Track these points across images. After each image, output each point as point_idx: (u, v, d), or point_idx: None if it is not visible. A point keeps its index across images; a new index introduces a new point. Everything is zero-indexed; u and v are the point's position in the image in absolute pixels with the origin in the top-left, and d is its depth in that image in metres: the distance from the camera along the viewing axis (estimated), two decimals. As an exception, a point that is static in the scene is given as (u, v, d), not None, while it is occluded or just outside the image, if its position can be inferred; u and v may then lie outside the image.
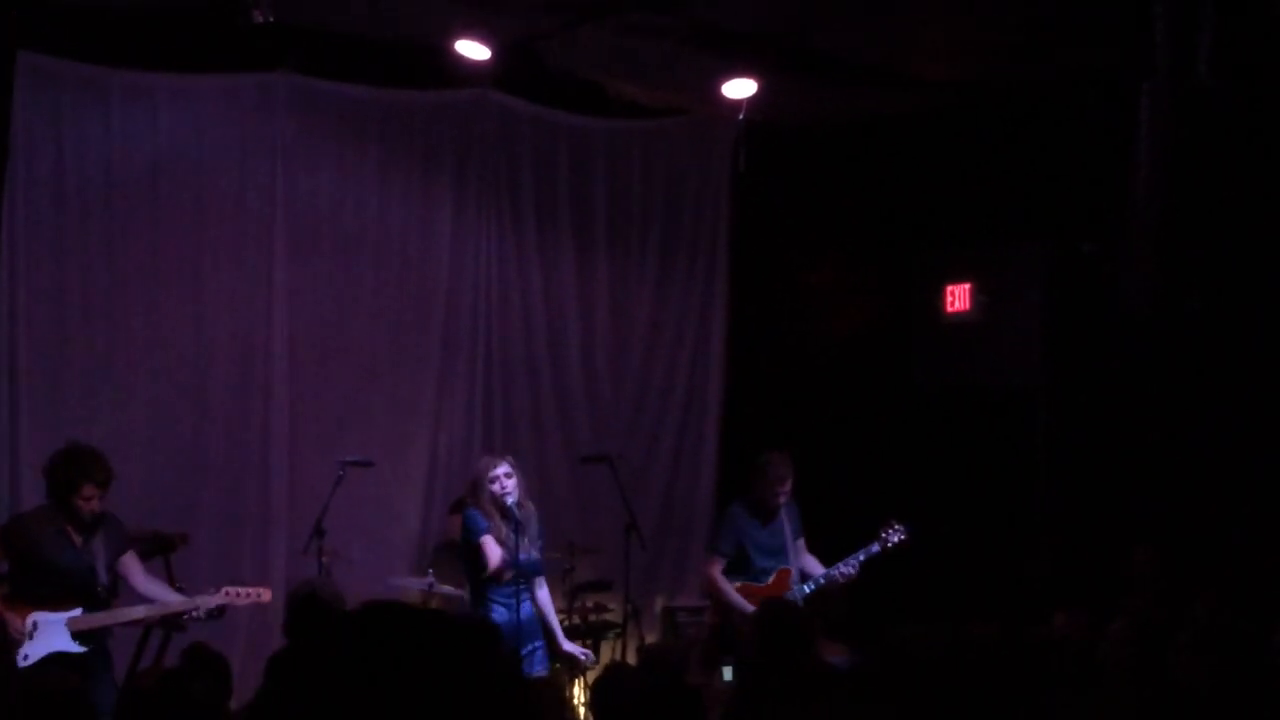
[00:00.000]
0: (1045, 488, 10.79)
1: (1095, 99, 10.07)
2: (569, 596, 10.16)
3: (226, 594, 8.20)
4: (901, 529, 9.52)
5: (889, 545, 9.51)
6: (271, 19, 9.24)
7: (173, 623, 8.39)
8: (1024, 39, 9.88)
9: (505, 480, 8.54)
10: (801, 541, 9.67)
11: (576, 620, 10.16)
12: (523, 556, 8.50)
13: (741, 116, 10.84)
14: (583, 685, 9.81)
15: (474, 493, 8.67)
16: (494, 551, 8.47)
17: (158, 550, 8.88)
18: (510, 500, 8.51)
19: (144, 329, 10.04)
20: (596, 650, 10.28)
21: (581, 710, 9.31)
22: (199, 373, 10.17)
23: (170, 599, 8.17)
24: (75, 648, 7.82)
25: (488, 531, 8.52)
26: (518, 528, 8.49)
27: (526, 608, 8.56)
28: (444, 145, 11.02)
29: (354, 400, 10.67)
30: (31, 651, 7.70)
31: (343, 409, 10.60)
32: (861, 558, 9.45)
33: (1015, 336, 11.01)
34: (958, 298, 11.45)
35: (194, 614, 8.13)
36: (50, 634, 7.78)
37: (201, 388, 10.18)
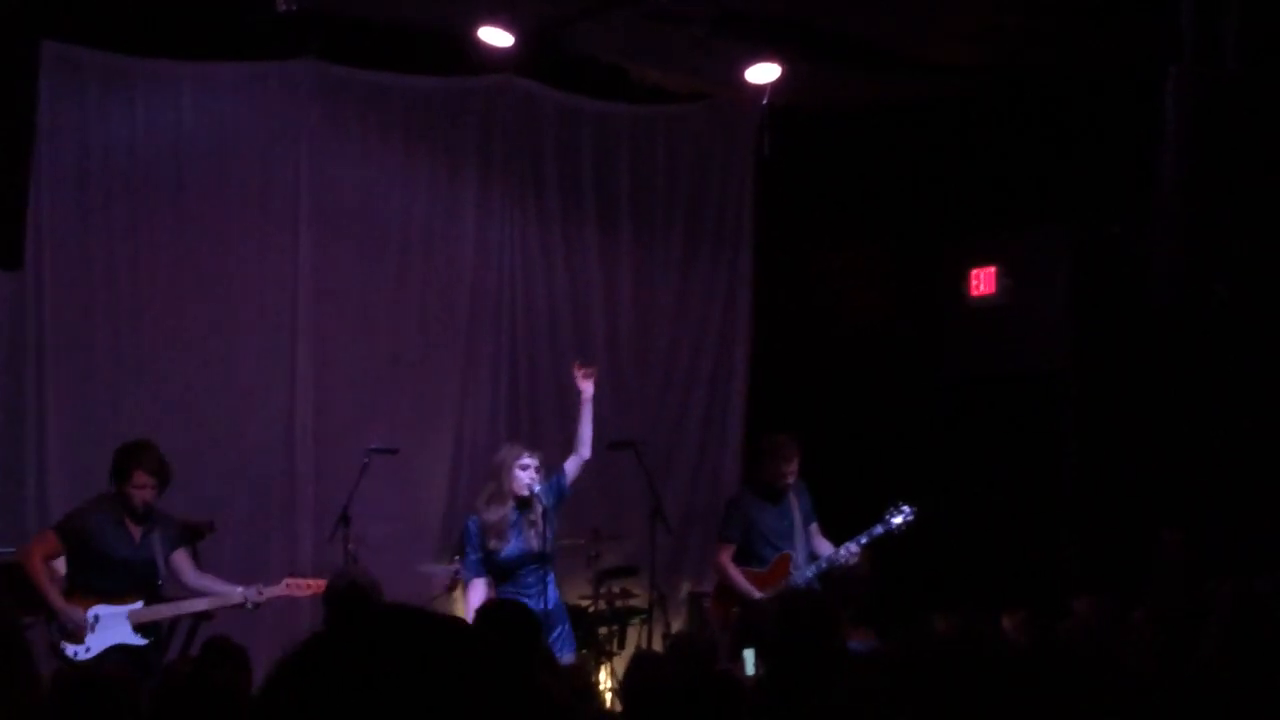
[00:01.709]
0: (1072, 472, 10.76)
1: (1121, 82, 10.03)
2: (595, 582, 10.17)
3: (288, 585, 8.24)
4: (908, 509, 9.38)
5: (893, 526, 9.38)
6: (295, 7, 9.27)
7: (202, 613, 8.42)
8: (1049, 22, 9.85)
9: (535, 473, 8.55)
10: (815, 526, 9.61)
11: (603, 605, 10.17)
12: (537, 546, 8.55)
13: (765, 101, 10.82)
14: (609, 671, 9.83)
15: (497, 476, 8.65)
16: (476, 597, 8.50)
17: (186, 538, 8.91)
18: (538, 489, 8.54)
19: (169, 317, 10.07)
20: (622, 637, 10.29)
21: (608, 696, 9.32)
22: (224, 360, 10.20)
23: (225, 590, 8.19)
24: (138, 640, 7.89)
25: (476, 571, 8.60)
26: (545, 514, 8.51)
27: (552, 595, 8.55)
28: (468, 131, 11.02)
29: (379, 387, 10.68)
30: (94, 644, 7.77)
31: (368, 396, 10.62)
32: (864, 540, 9.34)
33: (1041, 320, 10.98)
34: (983, 281, 11.42)
35: (254, 603, 8.16)
36: (112, 626, 7.84)
37: (226, 374, 10.20)
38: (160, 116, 10.05)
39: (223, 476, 9.93)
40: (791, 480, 9.52)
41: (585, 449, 8.91)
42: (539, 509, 8.51)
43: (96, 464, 8.56)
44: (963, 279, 11.51)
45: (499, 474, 8.64)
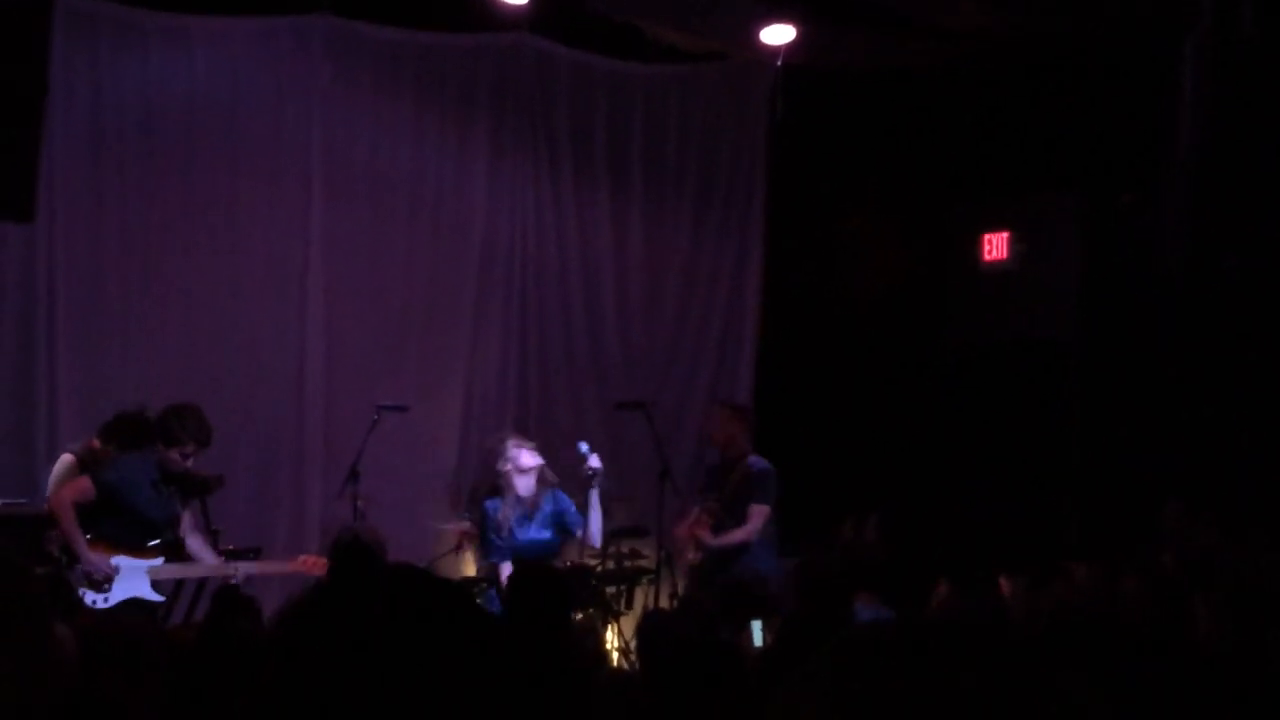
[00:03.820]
0: (1077, 440, 10.74)
1: (1137, 49, 9.97)
2: (603, 541, 10.18)
3: (304, 562, 8.30)
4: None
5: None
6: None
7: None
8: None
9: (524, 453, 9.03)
10: (754, 508, 9.39)
11: (611, 565, 10.18)
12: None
13: (779, 62, 10.79)
14: (616, 630, 9.85)
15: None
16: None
17: (194, 493, 8.93)
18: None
19: (179, 270, 10.10)
20: (630, 597, 10.31)
21: (615, 655, 9.35)
22: (234, 315, 10.22)
23: (214, 563, 8.24)
24: (155, 596, 7.95)
25: (502, 555, 8.91)
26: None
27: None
28: (481, 89, 11.00)
29: (389, 344, 10.70)
30: (113, 595, 7.81)
31: (378, 353, 10.63)
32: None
33: (1052, 287, 10.94)
34: (995, 247, 11.38)
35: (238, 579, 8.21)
36: (132, 579, 7.87)
37: (236, 330, 10.22)
38: (172, 70, 10.06)
39: (232, 432, 9.90)
40: (721, 451, 9.63)
41: (594, 540, 9.29)
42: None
43: (106, 416, 8.60)
44: (975, 244, 11.48)
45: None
